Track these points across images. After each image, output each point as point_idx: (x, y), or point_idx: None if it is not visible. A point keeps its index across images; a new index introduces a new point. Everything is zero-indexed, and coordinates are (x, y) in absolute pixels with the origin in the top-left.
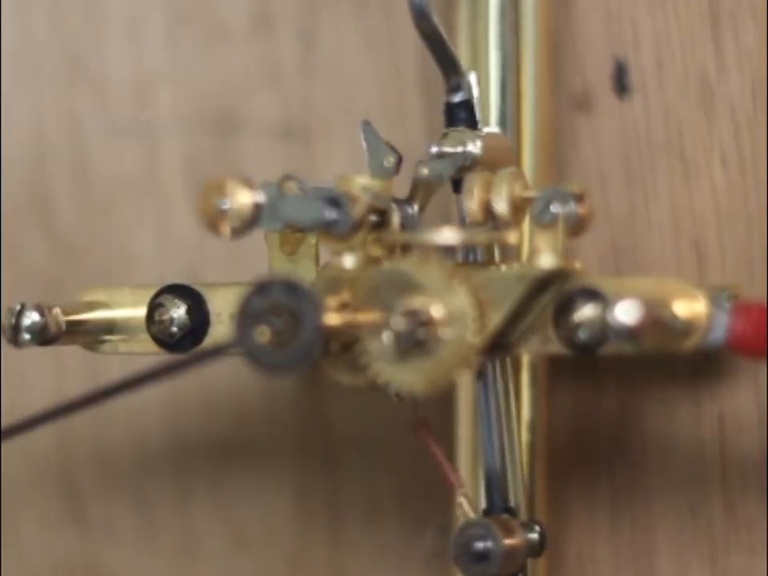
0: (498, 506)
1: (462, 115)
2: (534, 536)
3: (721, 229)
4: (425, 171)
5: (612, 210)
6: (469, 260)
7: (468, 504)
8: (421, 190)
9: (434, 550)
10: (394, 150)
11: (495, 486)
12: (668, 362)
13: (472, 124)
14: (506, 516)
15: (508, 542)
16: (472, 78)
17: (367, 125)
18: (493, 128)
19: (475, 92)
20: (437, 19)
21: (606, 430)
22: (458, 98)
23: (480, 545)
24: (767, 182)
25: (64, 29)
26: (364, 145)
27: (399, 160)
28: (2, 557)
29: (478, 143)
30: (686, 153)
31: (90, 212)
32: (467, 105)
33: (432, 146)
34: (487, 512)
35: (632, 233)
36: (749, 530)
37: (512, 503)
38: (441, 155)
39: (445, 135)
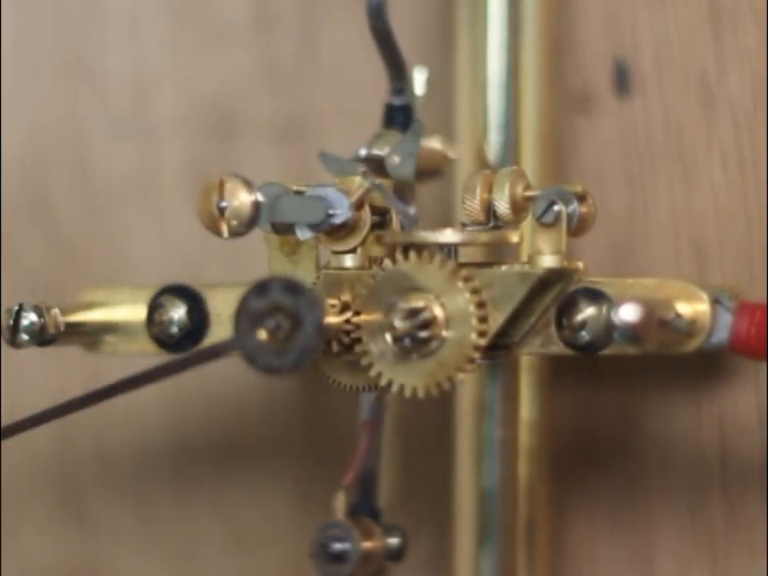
0: (365, 507)
1: (399, 118)
2: (395, 541)
3: (721, 229)
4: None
5: (612, 210)
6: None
7: (341, 503)
8: (403, 189)
9: (432, 550)
10: (357, 161)
11: (365, 487)
12: (668, 362)
13: (407, 127)
14: (368, 519)
15: (366, 545)
16: (420, 75)
17: (324, 155)
18: (494, 129)
19: (421, 90)
20: (389, 20)
21: (606, 430)
22: (398, 101)
23: (338, 546)
24: (767, 182)
25: (65, 29)
26: (331, 173)
27: (365, 171)
28: (2, 557)
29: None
30: (686, 153)
31: (90, 212)
32: (406, 109)
33: (362, 148)
34: (354, 511)
35: (632, 233)
36: (749, 531)
37: (380, 504)
38: (369, 158)
39: (378, 136)
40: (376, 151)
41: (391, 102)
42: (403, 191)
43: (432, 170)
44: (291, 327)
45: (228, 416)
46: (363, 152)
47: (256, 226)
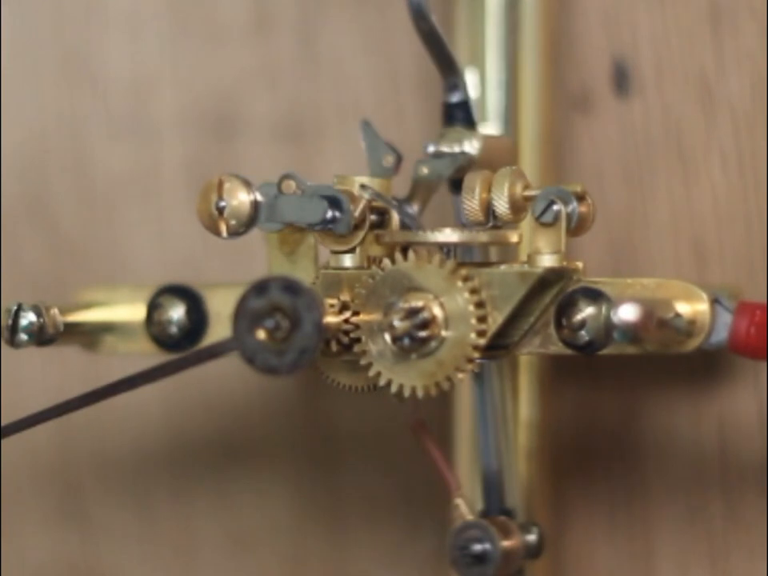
0: (495, 507)
1: (459, 115)
2: (532, 537)
3: (720, 229)
4: (424, 171)
5: (611, 209)
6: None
7: (465, 505)
8: (420, 189)
9: (432, 550)
10: (393, 149)
11: (492, 487)
12: (668, 362)
13: (469, 124)
14: (503, 518)
15: (506, 543)
16: (471, 77)
17: (367, 124)
18: (491, 128)
19: (474, 91)
20: (435, 18)
21: (606, 430)
22: (455, 97)
23: (478, 547)
24: (767, 182)
25: (64, 29)
26: (363, 144)
27: (399, 159)
28: (2, 557)
29: (475, 143)
30: (686, 153)
31: (89, 212)
32: (464, 105)
33: (429, 145)
34: (485, 514)
35: (631, 233)
36: (748, 532)
37: (509, 505)
38: (438, 155)
39: (442, 135)
40: (444, 148)
41: (448, 100)
42: (419, 192)
43: (500, 160)
44: (290, 327)
45: (228, 416)
46: (431, 149)
47: (255, 225)
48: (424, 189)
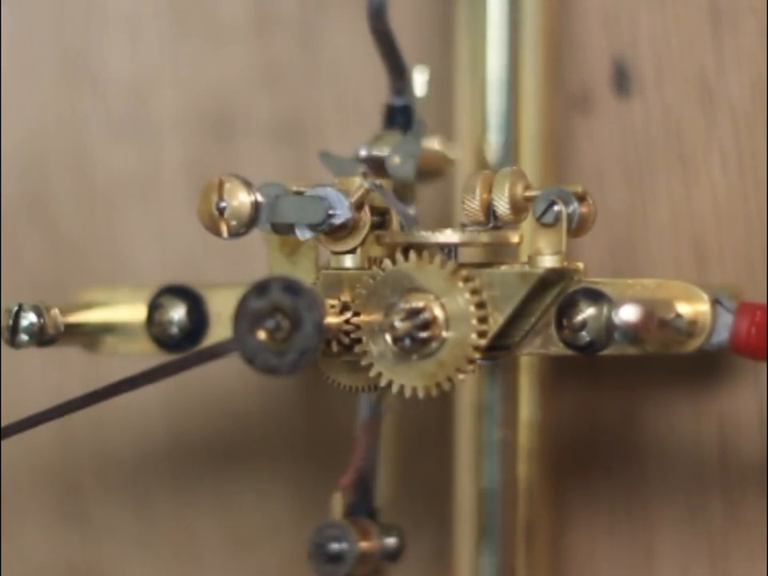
0: (361, 507)
1: (400, 119)
2: (392, 541)
3: (720, 229)
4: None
5: (611, 210)
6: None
7: (339, 502)
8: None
9: (432, 550)
10: (358, 161)
11: (362, 487)
12: (668, 362)
13: (407, 128)
14: (365, 519)
15: (363, 545)
16: (420, 76)
17: (324, 154)
18: (493, 129)
19: (421, 90)
20: (389, 20)
21: (606, 430)
22: (399, 101)
23: (335, 546)
24: (767, 182)
25: (64, 29)
26: (332, 172)
27: (365, 171)
28: (2, 557)
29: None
30: (686, 153)
31: (89, 212)
32: (407, 109)
33: (362, 148)
34: (352, 511)
35: (631, 233)
36: (748, 531)
37: (377, 504)
38: (369, 159)
39: (379, 137)
40: (376, 152)
41: (392, 103)
42: (403, 192)
43: (432, 170)
44: (291, 327)
45: (228, 416)
46: (363, 152)
47: (255, 226)
48: (407, 189)
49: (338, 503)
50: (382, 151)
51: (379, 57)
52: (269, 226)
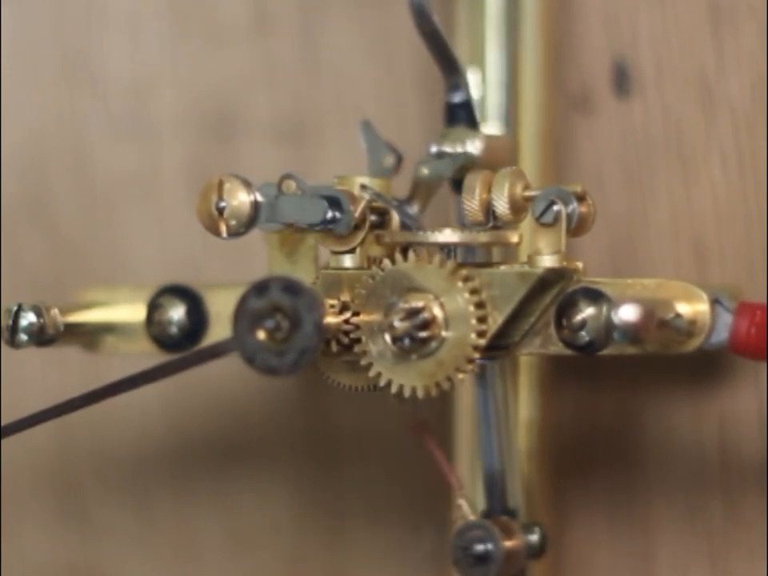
0: (497, 507)
1: (461, 115)
2: (534, 537)
3: (720, 229)
4: (425, 171)
5: (611, 210)
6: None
7: (468, 506)
8: (421, 190)
9: (432, 550)
10: (394, 149)
11: (495, 487)
12: (668, 362)
13: (472, 124)
14: (505, 518)
15: (508, 543)
16: (473, 77)
17: (367, 124)
18: (493, 128)
19: (476, 92)
20: (437, 19)
21: (606, 430)
22: (457, 98)
23: (480, 547)
24: (767, 182)
25: (64, 29)
26: (363, 144)
27: (399, 159)
28: (2, 557)
29: (477, 143)
30: (686, 153)
31: (89, 212)
32: (466, 105)
33: (432, 145)
34: (487, 514)
35: (631, 233)
36: (748, 531)
37: (512, 505)
38: (441, 155)
39: (444, 135)
40: (446, 149)
41: (450, 100)
42: (419, 192)
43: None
44: (290, 327)
45: (228, 416)
46: (434, 149)
47: (255, 226)
48: (424, 189)
49: (465, 507)
50: (451, 148)
51: (431, 57)
52: (268, 225)
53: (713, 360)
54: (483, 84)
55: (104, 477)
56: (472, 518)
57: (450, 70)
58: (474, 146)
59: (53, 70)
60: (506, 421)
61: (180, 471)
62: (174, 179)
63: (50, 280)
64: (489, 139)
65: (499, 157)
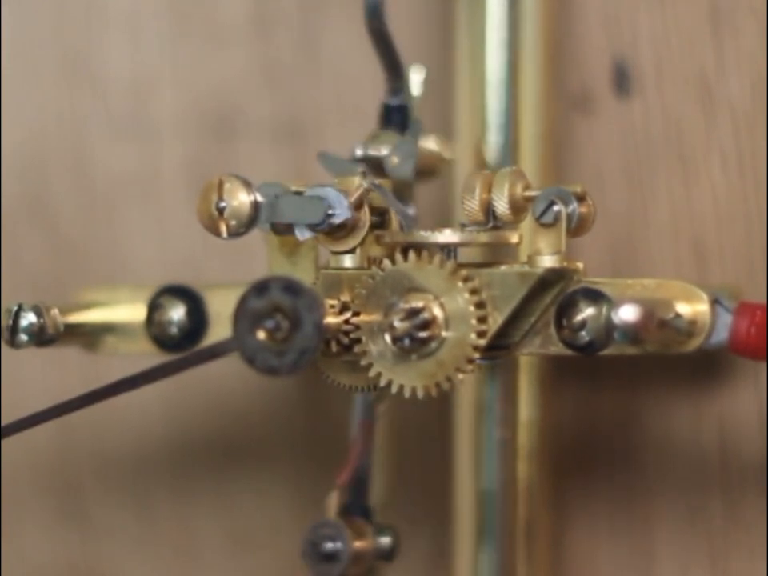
0: (357, 504)
1: (396, 118)
2: (386, 540)
3: (720, 229)
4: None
5: (611, 210)
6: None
7: (334, 501)
8: (403, 190)
9: (432, 550)
10: (355, 161)
11: (359, 486)
12: (668, 362)
13: (404, 128)
14: (360, 519)
15: (357, 544)
16: (416, 75)
17: (322, 155)
18: (493, 129)
19: (417, 90)
20: (387, 20)
21: (606, 430)
22: (395, 101)
23: (329, 545)
24: (767, 182)
25: (64, 29)
26: (331, 173)
27: (364, 171)
28: (2, 557)
29: (405, 149)
30: (686, 153)
31: (89, 212)
32: (402, 109)
33: (357, 147)
34: (347, 509)
35: (631, 233)
36: (748, 531)
37: (372, 503)
38: (365, 158)
39: (375, 136)
40: (372, 151)
41: (388, 102)
42: (402, 191)
43: (427, 170)
44: (290, 327)
45: (228, 416)
46: (359, 152)
47: (255, 226)
48: (405, 188)
49: (333, 502)
50: (378, 151)
51: (376, 56)
52: (268, 225)
53: (713, 360)
54: (482, 84)
55: (104, 477)
56: (332, 515)
57: (394, 73)
58: (400, 152)
59: (53, 70)
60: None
61: (180, 471)
62: (174, 179)
63: (50, 280)
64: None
65: (427, 166)
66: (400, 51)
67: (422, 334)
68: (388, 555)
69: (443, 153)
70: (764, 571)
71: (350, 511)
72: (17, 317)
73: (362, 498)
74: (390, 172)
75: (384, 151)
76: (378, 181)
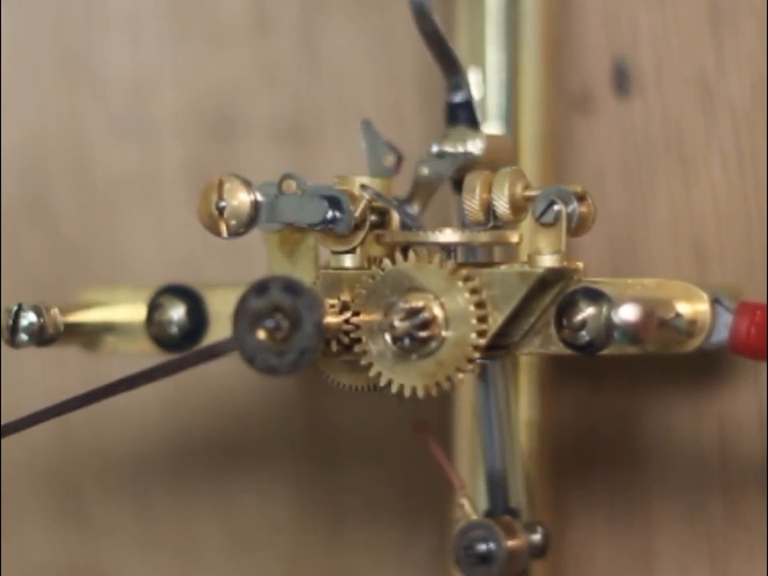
0: (500, 507)
1: (462, 115)
2: (537, 537)
3: (720, 229)
4: (425, 171)
5: (611, 210)
6: (469, 260)
7: (470, 505)
8: (421, 189)
9: (432, 550)
10: (393, 148)
11: (497, 487)
12: (668, 362)
13: (472, 124)
14: (508, 517)
15: (511, 543)
16: (473, 77)
17: (367, 124)
18: (493, 128)
19: (477, 91)
20: (437, 18)
21: (606, 430)
22: (458, 97)
23: (483, 546)
24: (767, 182)
25: (64, 29)
26: (363, 144)
27: (400, 159)
28: (2, 557)
29: (478, 143)
30: (686, 153)
31: (89, 212)
32: (467, 105)
33: (433, 145)
34: (489, 513)
35: (631, 233)
36: (748, 531)
37: (514, 504)
38: (441, 155)
39: (445, 135)
40: (447, 148)
41: (451, 100)
42: (419, 192)
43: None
44: (290, 327)
45: (228, 416)
46: (435, 149)
47: (255, 225)
48: (424, 189)
49: (468, 506)
50: (454, 147)
51: (432, 57)
52: (268, 225)
53: (713, 360)
54: (483, 84)
55: (103, 477)
56: (474, 517)
57: (451, 69)
58: (474, 146)
59: (53, 70)
60: (507, 420)
61: (180, 471)
62: (174, 179)
63: (50, 280)
64: (490, 139)
65: (500, 157)
66: (400, 51)
67: (422, 334)
68: (540, 552)
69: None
70: (764, 571)
71: (494, 513)
72: (17, 317)
73: (503, 498)
74: (416, 179)
75: (460, 148)
76: (377, 190)
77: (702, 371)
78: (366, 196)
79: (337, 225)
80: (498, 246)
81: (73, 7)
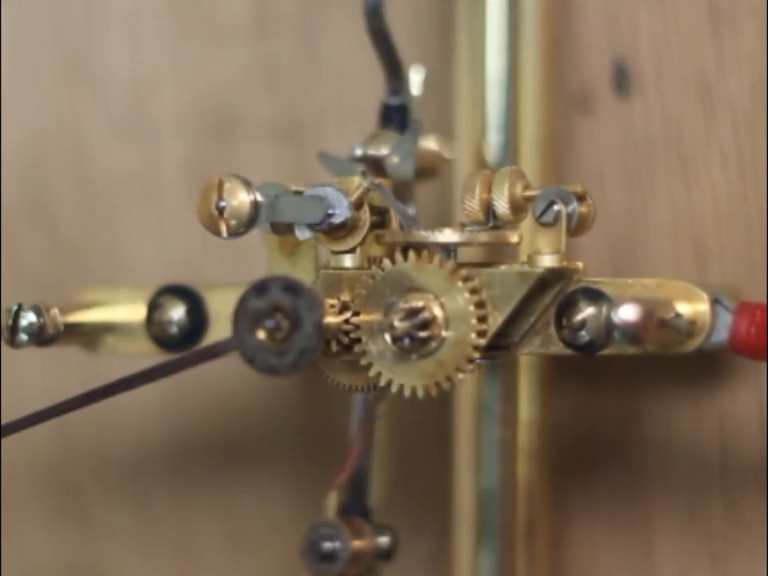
0: (355, 506)
1: (395, 118)
2: (385, 540)
3: (720, 229)
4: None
5: (611, 210)
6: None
7: (333, 501)
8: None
9: (432, 550)
10: (355, 161)
11: (358, 486)
12: (668, 362)
13: (403, 127)
14: (359, 519)
15: (357, 544)
16: (416, 76)
17: (322, 155)
18: (493, 128)
19: (417, 90)
20: (387, 20)
21: (606, 430)
22: (395, 101)
23: (328, 545)
24: (767, 182)
25: (64, 29)
26: (330, 173)
27: (366, 168)
28: (2, 557)
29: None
30: (686, 153)
31: (89, 212)
32: (402, 108)
33: (356, 147)
34: (344, 511)
35: (631, 233)
36: (748, 531)
37: (370, 504)
38: (364, 158)
39: (375, 136)
40: (372, 151)
41: (388, 102)
42: (402, 191)
43: (427, 170)
44: (290, 327)
45: (228, 416)
46: (359, 152)
47: (255, 225)
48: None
49: (332, 502)
50: (377, 150)
51: (376, 55)
52: (268, 225)
53: (713, 360)
54: (483, 84)
55: (103, 477)
56: (330, 515)
57: (393, 72)
58: (398, 151)
59: (53, 70)
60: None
61: (180, 471)
62: (174, 179)
63: (50, 280)
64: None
65: (426, 165)
66: (400, 51)
67: (422, 334)
68: (387, 555)
69: (443, 152)
70: (764, 571)
71: (349, 511)
72: (17, 316)
73: (360, 498)
74: (389, 172)
75: (384, 151)
76: (378, 180)
77: (701, 371)
78: (365, 183)
79: (336, 225)
80: (498, 246)
81: (73, 7)
